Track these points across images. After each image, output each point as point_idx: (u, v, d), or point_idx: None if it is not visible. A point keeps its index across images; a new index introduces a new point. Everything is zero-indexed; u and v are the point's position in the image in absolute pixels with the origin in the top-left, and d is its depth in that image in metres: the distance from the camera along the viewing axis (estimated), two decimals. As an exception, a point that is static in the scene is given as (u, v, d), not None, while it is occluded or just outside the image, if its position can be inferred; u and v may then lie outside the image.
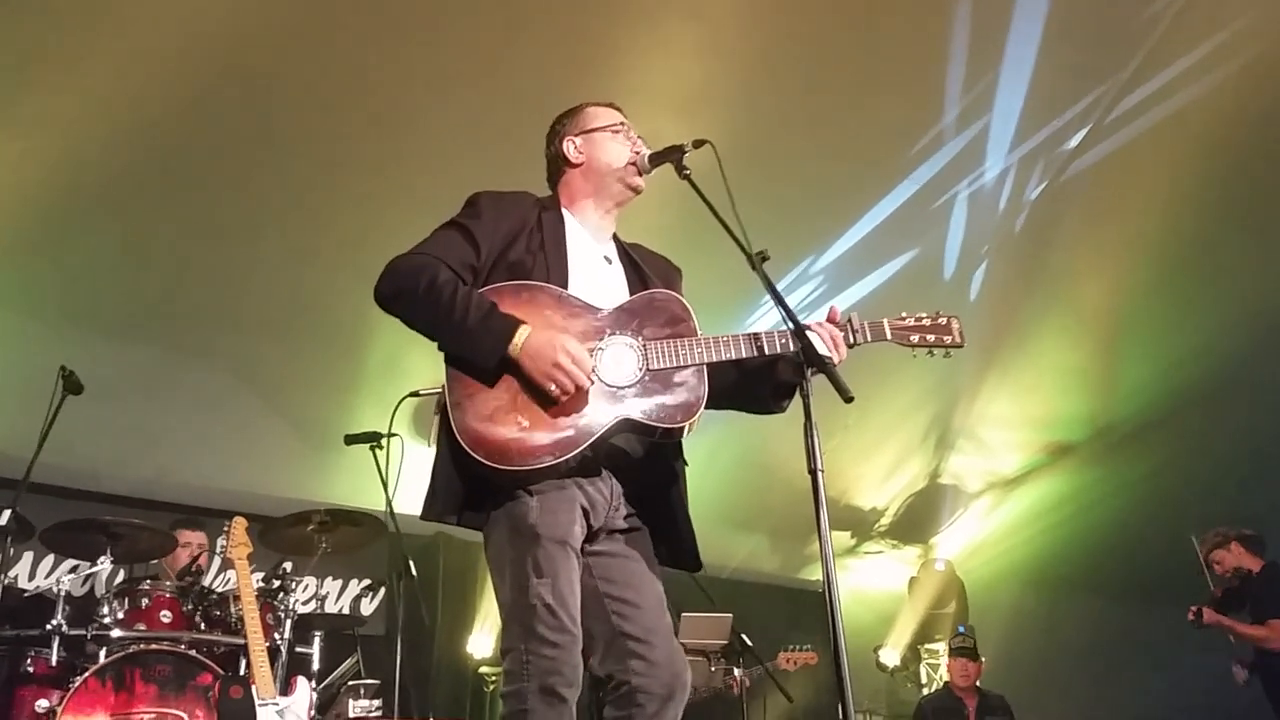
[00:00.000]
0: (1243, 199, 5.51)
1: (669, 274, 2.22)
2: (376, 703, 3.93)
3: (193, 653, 3.43)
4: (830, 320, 2.08)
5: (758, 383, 2.10)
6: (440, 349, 1.96)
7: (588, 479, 1.94)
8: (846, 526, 7.83)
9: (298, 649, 3.82)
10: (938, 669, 7.30)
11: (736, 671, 5.06)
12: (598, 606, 1.93)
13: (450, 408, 1.89)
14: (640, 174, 2.16)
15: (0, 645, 3.47)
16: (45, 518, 3.76)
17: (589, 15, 4.30)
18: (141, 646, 3.37)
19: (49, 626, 3.33)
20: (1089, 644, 7.34)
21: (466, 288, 1.94)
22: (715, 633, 4.98)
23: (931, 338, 2.14)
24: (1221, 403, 6.37)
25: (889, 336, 2.12)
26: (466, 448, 1.85)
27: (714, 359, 1.97)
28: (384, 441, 3.84)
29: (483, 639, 6.11)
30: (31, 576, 4.74)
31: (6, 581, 3.53)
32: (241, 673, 3.43)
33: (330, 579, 5.54)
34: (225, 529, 3.67)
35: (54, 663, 3.32)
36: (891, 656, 7.51)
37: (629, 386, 1.93)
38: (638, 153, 2.15)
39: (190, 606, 3.62)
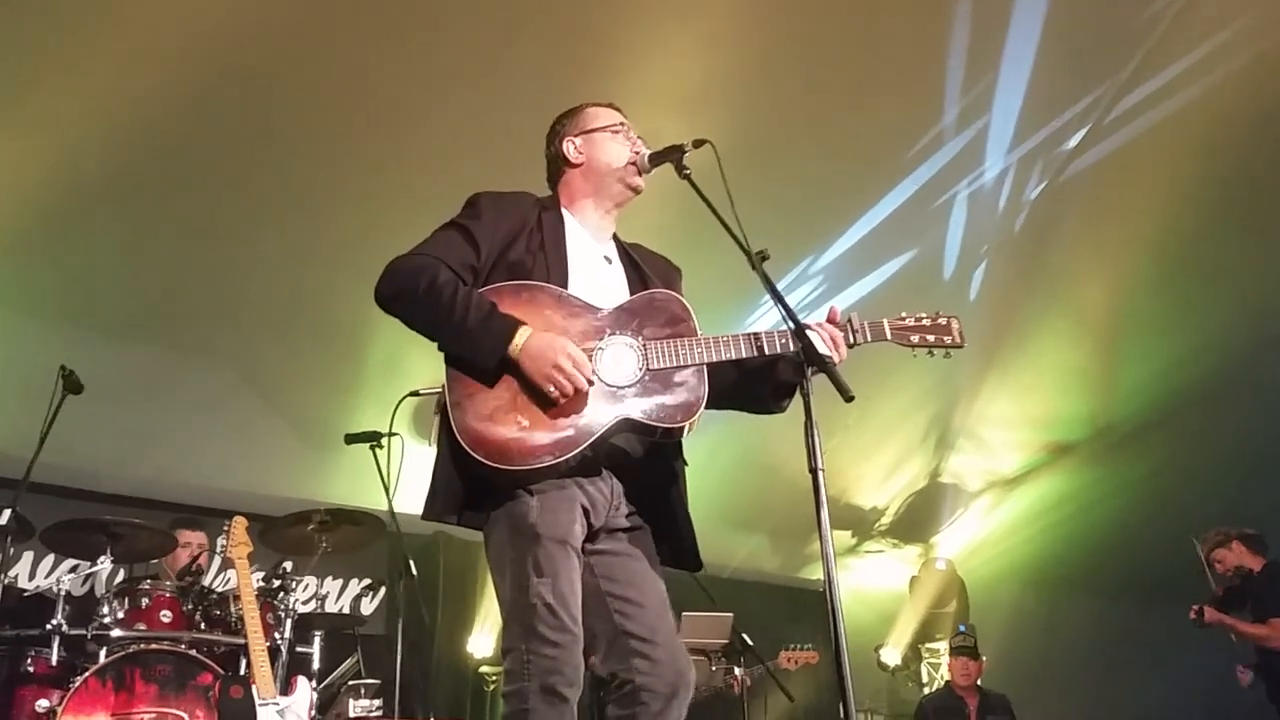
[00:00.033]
0: (1242, 199, 5.51)
1: (669, 274, 2.22)
2: (377, 702, 3.93)
3: (193, 652, 3.43)
4: (830, 320, 2.08)
5: (758, 383, 2.10)
6: (440, 349, 1.96)
7: (588, 478, 1.94)
8: (847, 526, 7.83)
9: (298, 649, 3.82)
10: (939, 668, 7.30)
11: (737, 671, 5.05)
12: (600, 605, 1.93)
13: (450, 407, 1.89)
14: (640, 174, 2.16)
15: (0, 645, 3.47)
16: (45, 517, 3.76)
17: (589, 15, 4.30)
18: (142, 646, 3.37)
19: (49, 626, 3.33)
20: (1089, 643, 7.34)
21: (467, 288, 1.94)
22: (716, 632, 4.98)
23: (931, 338, 2.14)
24: (1221, 402, 6.37)
25: (889, 337, 2.12)
26: (467, 447, 1.85)
27: (714, 359, 1.97)
28: (384, 441, 3.84)
29: (483, 639, 6.11)
30: (31, 576, 4.74)
31: (6, 581, 3.53)
32: (242, 672, 3.43)
33: (330, 579, 5.54)
34: (225, 528, 3.67)
35: (54, 662, 3.32)
36: (892, 656, 7.51)
37: (629, 386, 1.93)
38: (638, 152, 2.15)
39: (190, 606, 3.62)
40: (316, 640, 3.95)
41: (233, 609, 3.63)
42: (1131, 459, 6.91)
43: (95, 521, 3.65)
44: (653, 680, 1.86)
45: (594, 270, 2.09)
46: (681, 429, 1.95)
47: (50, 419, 3.62)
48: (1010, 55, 4.89)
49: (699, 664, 4.87)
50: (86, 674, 3.20)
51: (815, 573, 7.84)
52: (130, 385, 4.91)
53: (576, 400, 1.89)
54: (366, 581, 5.39)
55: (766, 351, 1.99)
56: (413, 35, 4.24)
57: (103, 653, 3.34)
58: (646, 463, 2.02)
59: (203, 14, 3.91)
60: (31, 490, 3.67)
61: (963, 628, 6.75)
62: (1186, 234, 5.56)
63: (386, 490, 3.76)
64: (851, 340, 2.07)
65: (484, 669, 5.90)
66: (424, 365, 3.38)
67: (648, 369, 1.95)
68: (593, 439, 1.89)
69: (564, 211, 2.15)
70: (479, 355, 1.89)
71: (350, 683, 4.07)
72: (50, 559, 4.75)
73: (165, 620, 3.52)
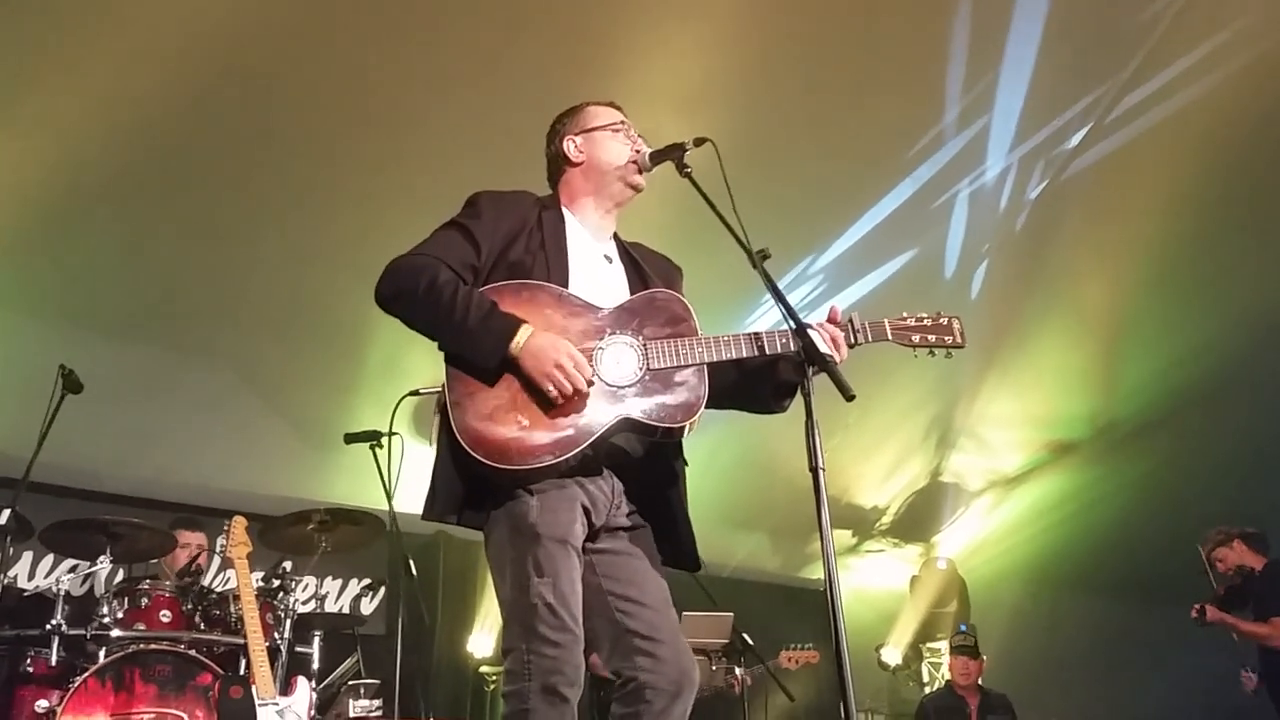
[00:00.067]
0: (1243, 199, 5.51)
1: (669, 273, 2.21)
2: (376, 702, 3.93)
3: (192, 652, 3.43)
4: (831, 320, 2.08)
5: (758, 382, 2.10)
6: (440, 348, 1.96)
7: (588, 478, 1.94)
8: (848, 525, 7.83)
9: (298, 649, 3.82)
10: (939, 668, 7.30)
11: (738, 671, 5.05)
12: (602, 604, 1.92)
13: (450, 407, 1.88)
14: (641, 172, 2.15)
15: (0, 645, 3.47)
16: (44, 517, 3.75)
17: (589, 15, 4.30)
18: (141, 646, 3.36)
19: (48, 626, 3.33)
20: (1090, 643, 7.34)
21: (467, 287, 1.94)
22: (716, 632, 4.98)
23: (932, 338, 2.14)
24: (1222, 402, 6.37)
25: (890, 337, 2.12)
26: (466, 447, 1.85)
27: (715, 359, 1.97)
28: (384, 440, 3.84)
29: (483, 638, 6.10)
30: (31, 576, 4.74)
31: (6, 581, 3.53)
32: (241, 672, 3.43)
33: (330, 578, 5.54)
34: (225, 528, 3.67)
35: (53, 663, 3.31)
36: (893, 655, 7.51)
37: (629, 386, 1.93)
38: (638, 151, 2.15)
39: (190, 606, 3.61)
40: (316, 640, 3.94)
41: (232, 609, 3.63)
42: (1132, 458, 6.91)
43: (95, 521, 3.64)
44: (657, 678, 1.86)
45: (594, 269, 2.09)
46: (682, 429, 1.95)
47: (50, 418, 3.62)
48: (1011, 54, 4.89)
49: (699, 664, 4.86)
50: (86, 674, 3.20)
51: (816, 572, 7.84)
52: (130, 385, 4.91)
53: (577, 400, 1.89)
54: (366, 581, 5.39)
55: (767, 351, 1.99)
56: (413, 35, 4.23)
57: (102, 653, 3.34)
58: (647, 462, 2.01)
59: (203, 14, 3.91)
60: (31, 490, 3.67)
61: (963, 627, 6.75)
62: (1187, 233, 5.56)
63: (386, 490, 3.76)
64: (852, 340, 2.07)
65: (484, 669, 5.89)
66: (424, 365, 3.39)
67: (648, 368, 1.94)
68: (593, 438, 1.88)
69: (564, 210, 2.15)
70: (480, 354, 1.89)
71: (350, 683, 4.06)
72: (50, 559, 4.74)
73: (165, 620, 3.51)
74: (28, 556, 4.74)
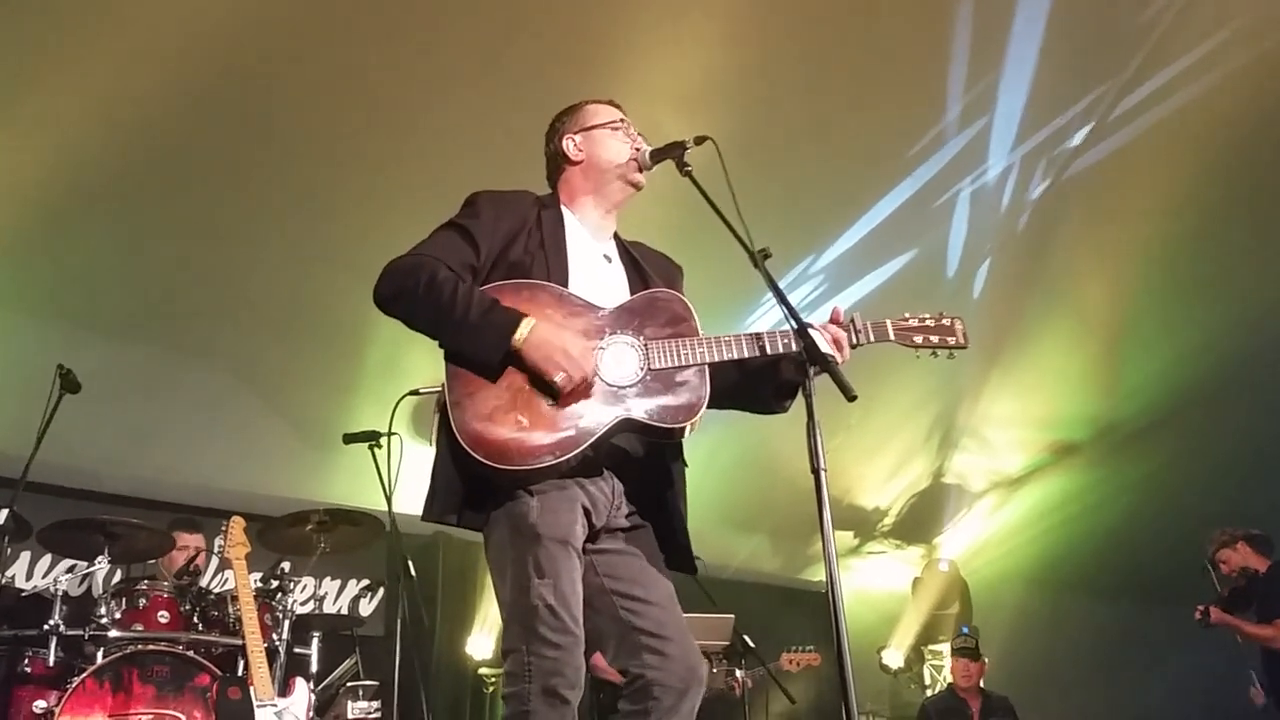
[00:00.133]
0: (1244, 198, 5.50)
1: (670, 272, 2.20)
2: (375, 704, 3.91)
3: (190, 653, 3.41)
4: (833, 321, 2.07)
5: (760, 383, 2.09)
6: (442, 347, 1.94)
7: (589, 478, 1.92)
8: (849, 526, 7.82)
9: (296, 650, 3.80)
10: (941, 670, 7.28)
11: (739, 673, 5.04)
12: (606, 603, 1.91)
13: (450, 406, 1.87)
14: (641, 170, 2.14)
15: (-2, 646, 3.46)
16: (42, 517, 3.74)
17: (589, 15, 4.29)
18: (139, 647, 3.35)
19: (46, 627, 3.31)
20: (1092, 644, 7.33)
21: (467, 284, 1.92)
22: (717, 634, 4.96)
23: (935, 338, 2.13)
24: (1224, 402, 6.36)
25: (892, 337, 2.11)
26: (466, 447, 1.84)
27: (716, 359, 1.95)
28: (382, 441, 3.82)
29: (482, 640, 6.09)
30: (29, 576, 4.73)
31: (4, 581, 3.53)
32: (239, 674, 3.42)
33: (329, 579, 5.53)
34: (223, 529, 3.66)
35: (51, 663, 3.30)
36: (895, 658, 7.49)
37: (630, 386, 1.92)
38: (638, 149, 2.13)
39: (188, 607, 3.60)
40: (315, 641, 3.93)
41: (230, 610, 3.61)
42: (1134, 459, 6.90)
43: (93, 521, 3.63)
44: (664, 675, 1.85)
45: (594, 269, 2.07)
46: (683, 429, 1.94)
47: (48, 418, 3.60)
48: (1013, 54, 4.89)
49: (700, 665, 4.85)
50: (84, 675, 3.19)
51: (817, 574, 7.83)
52: (129, 385, 4.90)
53: (578, 399, 1.87)
54: (365, 582, 5.39)
55: (769, 351, 1.98)
56: (413, 35, 4.23)
57: (100, 653, 3.33)
58: (647, 463, 2.00)
59: (203, 14, 3.91)
60: (29, 490, 3.65)
61: (965, 629, 6.74)
62: (1188, 233, 5.55)
63: (385, 490, 3.74)
64: (854, 340, 2.06)
65: (483, 670, 5.88)
66: (424, 364, 3.37)
67: (649, 369, 1.93)
68: (594, 439, 1.87)
69: (564, 210, 2.14)
70: (482, 350, 1.87)
71: (349, 684, 4.05)
72: (47, 559, 4.73)
73: (163, 621, 3.50)
74: (25, 556, 4.73)
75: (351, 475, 4.61)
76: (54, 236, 4.50)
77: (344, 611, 5.46)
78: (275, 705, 3.26)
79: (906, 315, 2.14)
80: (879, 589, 8.13)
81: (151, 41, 3.93)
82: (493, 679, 5.70)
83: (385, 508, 3.79)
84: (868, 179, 5.40)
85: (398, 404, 3.46)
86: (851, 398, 1.74)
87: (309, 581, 4.32)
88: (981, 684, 5.30)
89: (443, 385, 1.90)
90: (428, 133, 4.52)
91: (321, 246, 4.80)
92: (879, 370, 4.81)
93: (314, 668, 3.87)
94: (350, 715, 3.83)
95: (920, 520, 7.89)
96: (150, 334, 5.00)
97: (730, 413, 2.18)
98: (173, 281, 4.86)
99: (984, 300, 6.13)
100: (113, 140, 4.15)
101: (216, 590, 3.83)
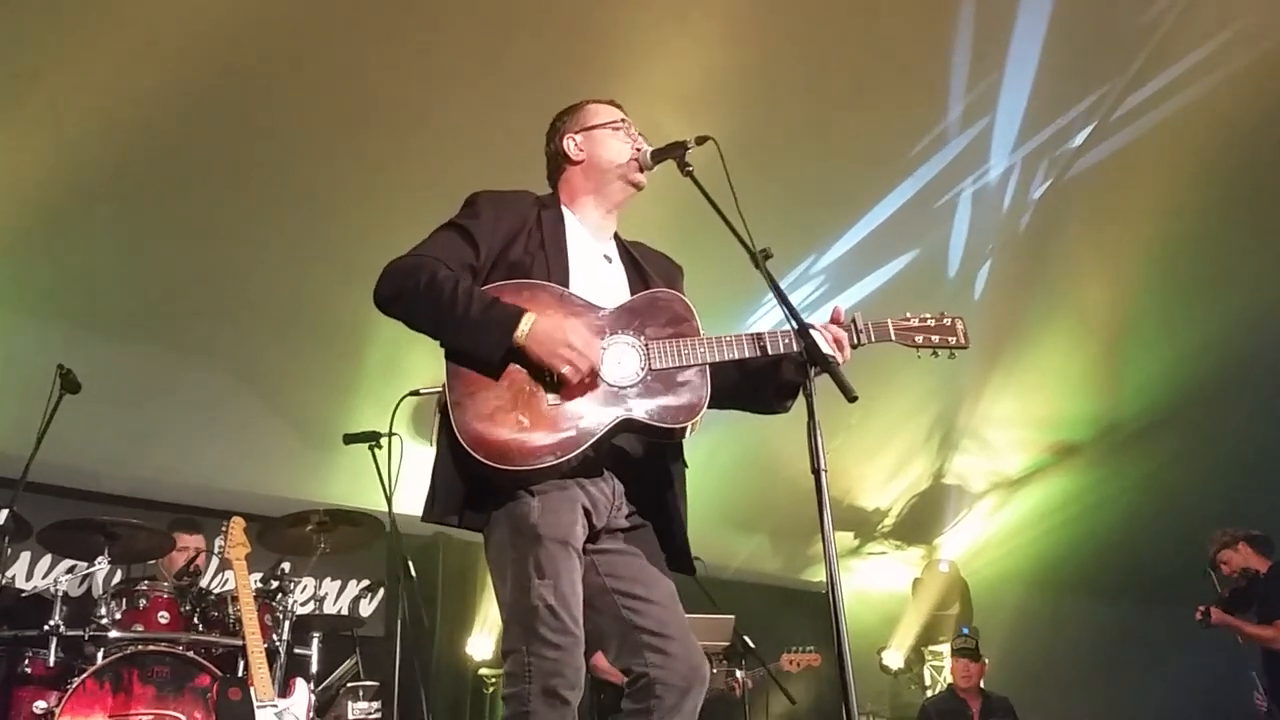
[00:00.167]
0: (1245, 198, 5.50)
1: (670, 272, 2.20)
2: (375, 704, 3.91)
3: (191, 654, 3.41)
4: (834, 321, 2.07)
5: (761, 383, 2.09)
6: (443, 346, 1.93)
7: (589, 479, 1.92)
8: (850, 527, 7.81)
9: (296, 650, 3.80)
10: (942, 671, 7.28)
11: (739, 673, 5.03)
12: (607, 603, 1.91)
13: (450, 406, 1.86)
14: (642, 170, 2.13)
15: (-3, 646, 3.46)
16: (43, 517, 3.74)
17: (589, 15, 4.29)
18: (139, 647, 3.35)
19: (46, 627, 3.31)
20: (1093, 645, 7.32)
21: (467, 283, 1.92)
22: (717, 634, 4.95)
23: (936, 338, 2.12)
24: (1224, 402, 6.36)
25: (893, 337, 2.11)
26: (467, 447, 1.83)
27: (717, 359, 1.95)
28: (383, 441, 3.82)
29: (482, 640, 6.09)
30: (29, 576, 4.72)
31: (4, 581, 3.52)
32: (240, 674, 3.41)
33: (329, 580, 5.52)
34: (223, 529, 3.66)
35: (51, 663, 3.29)
36: (895, 658, 7.49)
37: (631, 386, 1.91)
38: (639, 149, 2.13)
39: (188, 607, 3.60)
40: (315, 642, 3.92)
41: (231, 610, 3.61)
42: (1135, 460, 6.89)
43: (93, 522, 3.63)
44: (667, 674, 1.85)
45: (594, 269, 2.07)
46: (684, 429, 1.93)
47: (48, 418, 3.60)
48: (1015, 54, 4.88)
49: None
50: (84, 675, 3.18)
51: (817, 574, 7.82)
52: (129, 385, 4.90)
53: (578, 399, 1.87)
54: (365, 583, 5.38)
55: (769, 351, 1.98)
56: (413, 35, 4.23)
57: (100, 654, 3.33)
58: (647, 463, 2.00)
59: (203, 14, 3.90)
60: (29, 490, 3.65)
61: (965, 630, 6.73)
62: (1189, 233, 5.55)
63: (386, 491, 3.74)
64: (856, 341, 2.06)
65: (483, 671, 5.88)
66: (424, 365, 3.37)
67: (650, 369, 1.93)
68: (594, 439, 1.87)
69: (564, 210, 2.13)
70: (484, 347, 1.86)
71: (349, 685, 4.05)
72: (47, 559, 4.73)
73: (163, 621, 3.50)
74: (25, 557, 4.72)
75: (351, 476, 4.60)
76: (54, 236, 4.50)
77: (344, 612, 5.46)
78: (275, 706, 3.26)
79: (907, 315, 2.14)
80: (879, 589, 8.12)
81: (151, 41, 3.92)
82: (493, 679, 5.70)
83: (385, 508, 3.78)
84: (869, 179, 5.39)
85: (398, 404, 3.45)
86: (852, 398, 1.73)
87: (309, 582, 4.31)
88: (982, 684, 5.29)
89: (443, 385, 1.90)
90: (428, 133, 4.52)
91: (321, 246, 4.80)
92: (880, 370, 4.82)
93: (314, 668, 3.87)
94: (350, 716, 3.83)
95: (920, 521, 7.89)
96: (150, 334, 5.00)
97: (731, 413, 2.18)
98: (173, 281, 4.86)
99: (985, 300, 6.13)
100: (113, 140, 4.14)
101: (217, 591, 3.83)
